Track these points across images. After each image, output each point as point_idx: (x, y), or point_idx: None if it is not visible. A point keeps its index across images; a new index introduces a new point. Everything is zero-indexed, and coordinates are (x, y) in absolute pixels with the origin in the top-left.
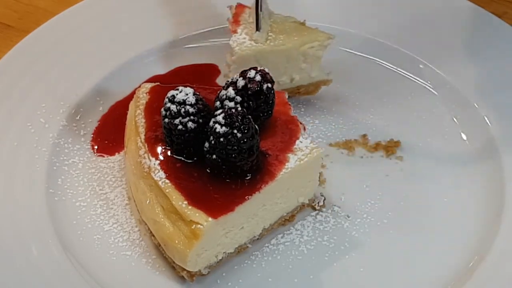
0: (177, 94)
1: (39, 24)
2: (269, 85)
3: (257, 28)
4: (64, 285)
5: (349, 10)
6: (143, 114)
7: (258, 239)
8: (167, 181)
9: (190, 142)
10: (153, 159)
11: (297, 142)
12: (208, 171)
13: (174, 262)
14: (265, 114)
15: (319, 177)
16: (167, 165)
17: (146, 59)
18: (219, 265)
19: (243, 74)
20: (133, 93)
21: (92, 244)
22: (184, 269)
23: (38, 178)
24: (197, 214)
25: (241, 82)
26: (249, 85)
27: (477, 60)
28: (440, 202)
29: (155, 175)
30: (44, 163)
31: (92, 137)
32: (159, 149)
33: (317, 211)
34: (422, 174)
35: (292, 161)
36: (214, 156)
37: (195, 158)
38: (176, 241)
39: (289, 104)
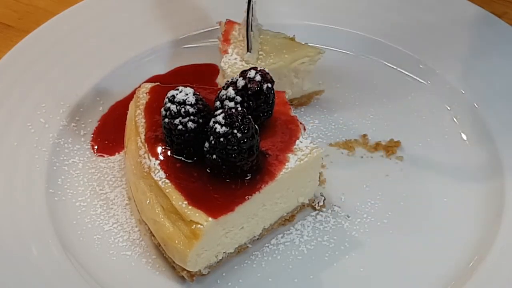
0: (177, 94)
1: (39, 24)
2: (269, 85)
3: (248, 50)
4: (64, 285)
5: (349, 10)
6: (143, 114)
7: (258, 239)
8: (167, 181)
9: (190, 142)
10: (153, 159)
11: (297, 142)
12: (208, 171)
13: (174, 262)
14: (265, 114)
15: (319, 177)
16: (167, 165)
17: (146, 59)
18: (219, 265)
19: (243, 74)
20: (133, 93)
21: (92, 244)
22: (184, 269)
23: (38, 178)
24: (197, 214)
25: (241, 82)
26: (249, 85)
27: (477, 60)
28: (440, 202)
29: (155, 175)
30: (44, 163)
31: (92, 137)
32: (159, 149)
33: (317, 211)
34: (422, 174)
35: (292, 161)
36: (214, 156)
37: (195, 158)
38: (176, 241)
39: (289, 104)
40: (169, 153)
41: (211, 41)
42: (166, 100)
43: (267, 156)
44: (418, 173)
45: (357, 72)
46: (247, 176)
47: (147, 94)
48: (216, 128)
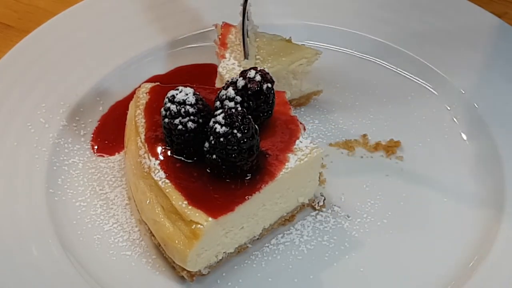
0: (177, 94)
1: (39, 24)
2: (269, 85)
3: (245, 57)
4: (64, 285)
5: (348, 10)
6: (143, 114)
7: (258, 239)
8: (167, 181)
9: (190, 142)
10: (153, 159)
11: (297, 142)
12: (208, 171)
13: (174, 262)
14: (265, 114)
15: (319, 177)
16: (167, 165)
17: (146, 59)
18: (219, 265)
19: (243, 74)
20: (133, 93)
21: (92, 244)
22: (184, 269)
23: (38, 178)
24: (197, 214)
25: (241, 82)
26: (249, 85)
27: (477, 60)
28: (440, 202)
29: (155, 175)
30: (44, 163)
31: (92, 137)
32: (159, 149)
33: (317, 211)
34: (422, 174)
35: (292, 161)
36: (214, 156)
37: (195, 158)
38: (176, 241)
39: (289, 104)
40: (169, 153)
41: (211, 41)
42: (166, 100)
43: (267, 156)
44: (418, 173)
45: (357, 72)
46: (247, 176)
47: (147, 94)
48: (216, 128)
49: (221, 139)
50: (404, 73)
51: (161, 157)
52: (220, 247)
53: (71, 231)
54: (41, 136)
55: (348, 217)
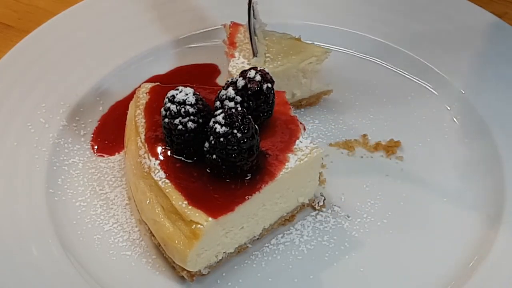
0: (177, 94)
1: (39, 24)
2: (269, 85)
3: (254, 55)
4: (64, 285)
5: (348, 10)
6: (143, 114)
7: (258, 239)
8: (167, 181)
9: (190, 142)
10: (153, 159)
11: (297, 142)
12: (208, 171)
13: (174, 262)
14: (265, 114)
15: (319, 177)
16: (167, 165)
17: (146, 59)
18: (219, 265)
19: (243, 74)
20: (133, 93)
21: (92, 244)
22: (184, 269)
23: (38, 178)
24: (197, 214)
25: (241, 82)
26: (249, 85)
27: (477, 60)
28: (440, 202)
29: (155, 175)
30: (44, 163)
31: (92, 137)
32: (159, 149)
33: (317, 211)
34: (422, 174)
35: (292, 161)
36: (214, 156)
37: (195, 158)
38: (176, 241)
39: (289, 104)
40: (169, 153)
41: (211, 41)
42: (166, 100)
43: (267, 156)
44: (418, 173)
45: (357, 72)
46: (247, 176)
47: (147, 94)
48: (216, 128)
49: (221, 139)
50: (404, 73)
51: (161, 157)
52: (220, 247)
53: (71, 231)
54: (41, 136)
55: (348, 217)
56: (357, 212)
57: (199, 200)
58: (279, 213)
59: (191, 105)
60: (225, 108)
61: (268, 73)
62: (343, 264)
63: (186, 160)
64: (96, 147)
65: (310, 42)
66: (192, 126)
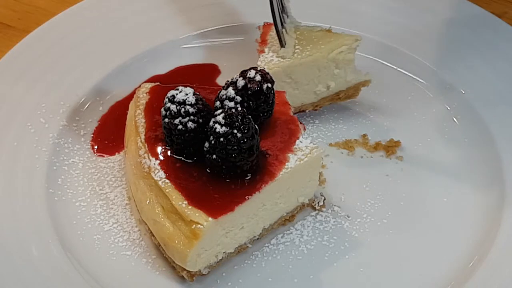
0: (177, 94)
1: (39, 24)
2: (269, 85)
3: (282, 45)
4: (64, 285)
5: (348, 11)
6: (143, 114)
7: (258, 239)
8: (167, 181)
9: (190, 142)
10: (153, 159)
11: (297, 142)
12: (208, 171)
13: (174, 262)
14: (265, 114)
15: (319, 177)
16: (167, 165)
17: (146, 59)
18: (219, 265)
19: (243, 74)
20: (133, 93)
21: (92, 244)
22: (184, 269)
23: (38, 178)
24: (197, 214)
25: (241, 82)
26: (249, 85)
27: (477, 60)
28: (440, 202)
29: (155, 175)
30: (44, 163)
31: (92, 137)
32: (159, 149)
33: (317, 211)
34: (422, 174)
35: (292, 161)
36: (214, 156)
37: (195, 158)
38: (176, 241)
39: (289, 104)
40: (169, 153)
41: (211, 41)
42: (166, 100)
43: (267, 156)
44: (418, 173)
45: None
46: (247, 176)
47: (147, 94)
48: (216, 128)
49: (221, 139)
50: (404, 73)
51: (161, 157)
52: (220, 247)
53: (71, 231)
54: (41, 136)
55: (348, 217)
56: (357, 212)
57: (199, 200)
58: (279, 213)
59: (191, 105)
60: (225, 108)
61: (268, 73)
62: (343, 264)
63: (186, 160)
64: (96, 147)
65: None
66: (192, 126)
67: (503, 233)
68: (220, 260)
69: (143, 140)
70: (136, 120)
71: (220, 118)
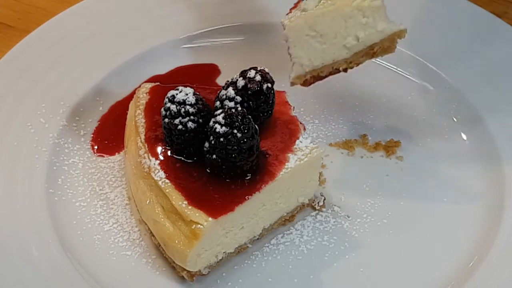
0: (177, 94)
1: (39, 24)
2: (269, 85)
3: None
4: (64, 285)
5: None
6: (143, 114)
7: (258, 239)
8: (167, 181)
9: (190, 142)
10: (153, 159)
11: (297, 142)
12: (208, 171)
13: (174, 262)
14: (265, 114)
15: (319, 177)
16: (167, 165)
17: (146, 59)
18: (219, 265)
19: (243, 74)
20: (133, 93)
21: (92, 244)
22: (184, 269)
23: (38, 178)
24: (197, 214)
25: (241, 82)
26: (249, 85)
27: (477, 60)
28: (440, 202)
29: (155, 175)
30: (44, 163)
31: (92, 137)
32: (159, 149)
33: (317, 211)
34: (422, 174)
35: (292, 161)
36: (214, 156)
37: (195, 158)
38: (176, 241)
39: (289, 104)
40: (169, 153)
41: (211, 41)
42: (166, 100)
43: (267, 156)
44: (418, 173)
45: (357, 72)
46: (247, 176)
47: (147, 94)
48: (216, 128)
49: (221, 139)
50: (404, 73)
51: (161, 157)
52: (220, 247)
53: (71, 231)
54: (41, 136)
55: (348, 217)
56: (357, 212)
57: (199, 200)
58: (279, 213)
59: (191, 105)
60: (225, 108)
61: (268, 73)
62: (343, 264)
63: (186, 160)
64: (96, 147)
65: None
66: (192, 126)
67: (503, 233)
68: (220, 260)
69: (143, 140)
70: (136, 120)
71: (220, 118)
